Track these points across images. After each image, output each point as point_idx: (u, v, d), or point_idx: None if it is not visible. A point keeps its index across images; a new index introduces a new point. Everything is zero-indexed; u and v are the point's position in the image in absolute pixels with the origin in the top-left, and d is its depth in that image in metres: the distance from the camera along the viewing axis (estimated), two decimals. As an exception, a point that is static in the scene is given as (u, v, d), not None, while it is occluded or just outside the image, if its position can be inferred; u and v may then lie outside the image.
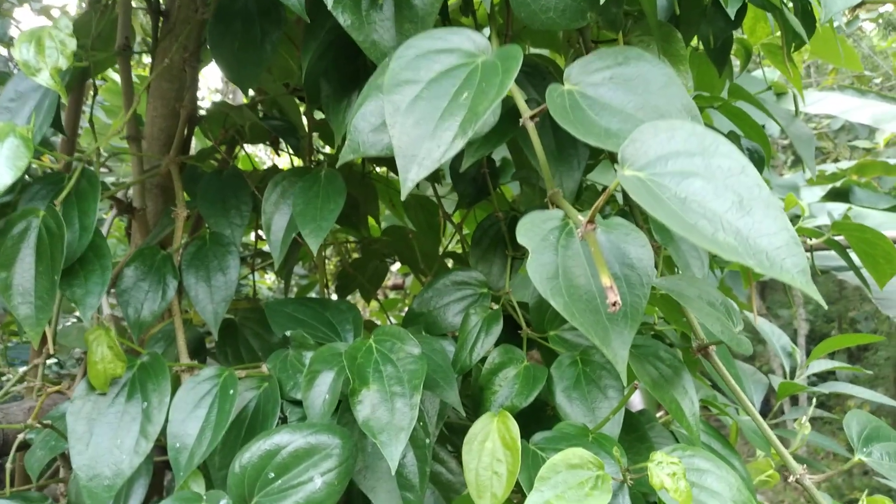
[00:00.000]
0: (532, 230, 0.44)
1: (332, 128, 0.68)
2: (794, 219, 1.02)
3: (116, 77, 2.03)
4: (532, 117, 0.51)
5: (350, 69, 0.67)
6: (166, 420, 0.64)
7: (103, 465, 0.62)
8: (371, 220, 1.15)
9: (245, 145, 1.15)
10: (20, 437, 0.82)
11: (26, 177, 0.68)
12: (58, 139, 0.97)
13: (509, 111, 0.64)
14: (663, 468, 0.51)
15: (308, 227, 0.68)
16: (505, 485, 0.55)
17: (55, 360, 1.93)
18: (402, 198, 0.41)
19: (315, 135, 1.00)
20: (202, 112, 1.03)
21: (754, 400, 1.17)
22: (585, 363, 0.67)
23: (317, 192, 0.71)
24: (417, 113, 0.43)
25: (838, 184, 3.49)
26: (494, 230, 0.81)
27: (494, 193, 0.82)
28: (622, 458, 0.56)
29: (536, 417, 0.71)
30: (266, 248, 1.54)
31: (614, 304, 0.37)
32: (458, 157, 0.83)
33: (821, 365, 1.27)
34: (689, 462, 0.57)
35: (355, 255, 1.13)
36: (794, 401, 2.89)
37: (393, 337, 0.61)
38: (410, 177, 0.41)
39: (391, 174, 1.27)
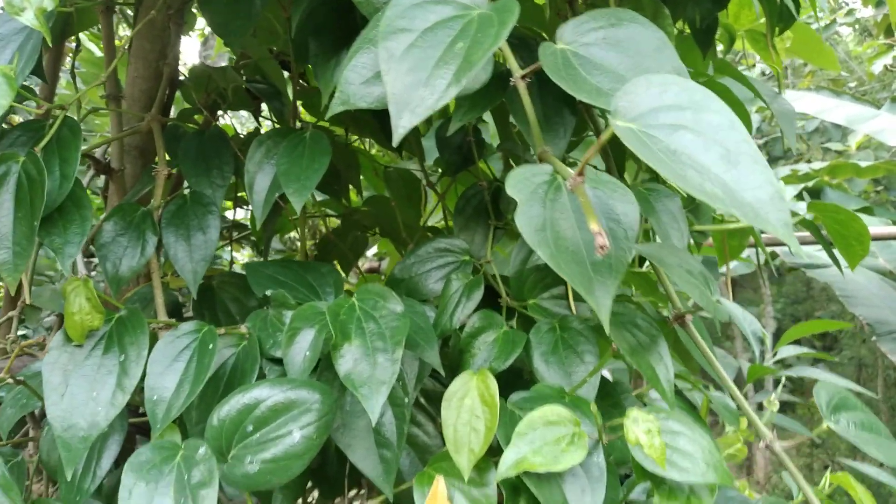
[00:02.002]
0: (522, 183, 0.44)
1: (320, 86, 0.67)
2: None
3: (93, 47, 2.00)
4: (523, 77, 0.52)
5: (339, 27, 0.67)
6: (143, 375, 0.64)
7: (79, 416, 0.62)
8: (353, 195, 1.15)
9: (224, 117, 1.14)
10: (-10, 393, 0.81)
11: (3, 125, 0.66)
12: (37, 90, 0.95)
13: (498, 76, 0.65)
14: (639, 424, 0.52)
15: (292, 185, 0.68)
16: (483, 440, 0.56)
17: (24, 330, 1.89)
18: (395, 143, 0.41)
19: (298, 103, 1.00)
20: (183, 77, 1.01)
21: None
22: (564, 329, 0.68)
23: (301, 151, 0.70)
24: (412, 60, 0.43)
25: (811, 184, 3.56)
26: (478, 199, 0.82)
27: (479, 163, 0.82)
28: (598, 418, 0.57)
29: (514, 383, 0.72)
30: (243, 220, 1.53)
31: (602, 248, 0.38)
32: (444, 125, 0.83)
33: (789, 351, 1.30)
34: (663, 424, 0.58)
35: (335, 227, 1.13)
36: (760, 386, 2.95)
37: (376, 295, 0.62)
38: (403, 123, 0.41)
39: (373, 148, 1.27)
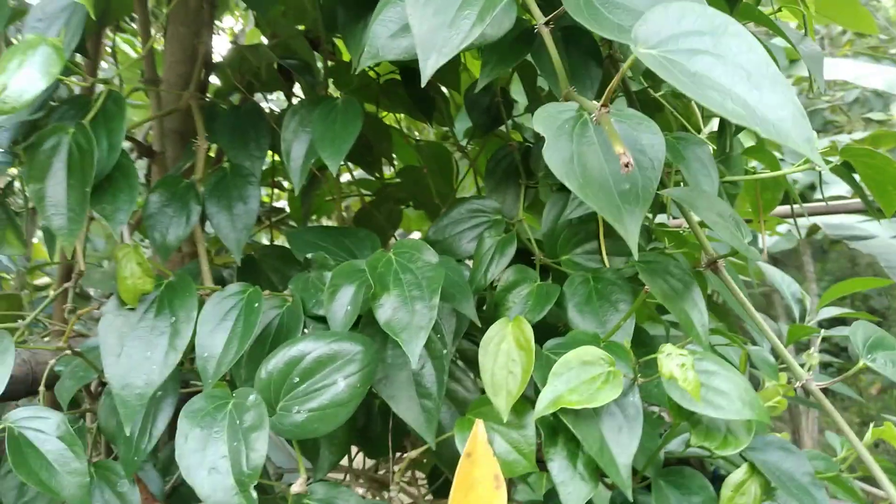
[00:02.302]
0: (548, 119, 0.46)
1: (349, 51, 0.69)
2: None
3: (128, 49, 2.06)
4: (546, 23, 0.53)
5: (367, -7, 0.69)
6: (193, 336, 0.67)
7: (134, 375, 0.65)
8: (385, 173, 1.17)
9: (260, 101, 1.16)
10: (50, 364, 0.85)
11: (51, 102, 0.70)
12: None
13: (524, 32, 0.66)
14: (672, 359, 0.53)
15: (327, 150, 0.70)
16: (520, 382, 0.57)
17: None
18: (423, 84, 0.43)
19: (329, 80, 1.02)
20: (218, 60, 1.04)
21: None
22: (597, 280, 0.69)
23: (335, 117, 0.73)
24: (436, 3, 0.44)
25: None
26: (508, 160, 0.83)
27: (507, 124, 0.83)
28: (632, 357, 0.58)
29: (549, 337, 0.74)
30: (279, 203, 1.57)
31: (626, 166, 0.39)
32: (473, 85, 0.85)
33: (830, 312, 1.28)
34: (698, 365, 0.59)
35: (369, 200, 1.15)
36: (801, 350, 2.90)
37: (411, 248, 0.63)
38: (430, 63, 0.43)
39: (403, 124, 1.29)
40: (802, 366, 0.91)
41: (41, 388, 0.83)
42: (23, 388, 1.05)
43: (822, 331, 1.05)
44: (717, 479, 0.68)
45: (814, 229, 2.80)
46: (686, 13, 0.41)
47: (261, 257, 0.92)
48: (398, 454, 0.90)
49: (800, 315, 1.27)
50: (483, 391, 0.62)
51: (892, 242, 2.54)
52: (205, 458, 0.55)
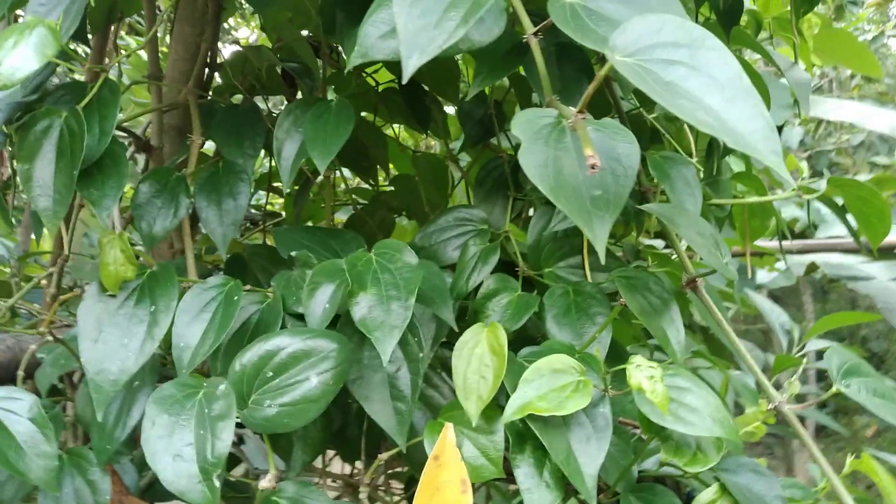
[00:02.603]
0: (527, 124, 0.46)
1: (345, 53, 0.70)
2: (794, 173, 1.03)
3: (142, 54, 2.08)
4: (535, 34, 0.54)
5: (364, -2, 0.70)
6: (171, 326, 0.67)
7: (110, 361, 0.65)
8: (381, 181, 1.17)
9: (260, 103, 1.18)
10: (30, 350, 0.85)
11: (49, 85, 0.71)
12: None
13: (517, 45, 0.67)
14: (642, 370, 0.53)
15: (317, 150, 0.71)
16: (490, 387, 0.58)
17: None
18: (404, 81, 0.43)
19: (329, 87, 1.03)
20: (221, 60, 1.06)
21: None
22: (577, 293, 0.70)
23: (327, 118, 0.73)
24: (423, 5, 0.45)
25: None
26: (498, 172, 0.84)
27: (499, 135, 0.84)
28: (603, 367, 0.58)
29: (526, 346, 0.74)
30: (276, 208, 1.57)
31: (592, 167, 0.39)
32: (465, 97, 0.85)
33: (818, 344, 1.28)
34: (670, 381, 0.59)
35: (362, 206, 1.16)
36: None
37: (392, 249, 0.64)
38: (412, 62, 0.44)
39: (401, 130, 1.30)
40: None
41: (20, 373, 0.83)
42: (6, 374, 1.06)
43: (806, 361, 1.05)
44: (691, 502, 0.67)
45: (812, 268, 2.79)
46: (665, 25, 0.42)
47: (249, 256, 0.92)
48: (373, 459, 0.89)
49: (787, 345, 1.27)
50: (458, 397, 0.62)
51: (890, 285, 2.53)
52: (171, 444, 0.55)
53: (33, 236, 1.21)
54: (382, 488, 1.05)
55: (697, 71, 0.40)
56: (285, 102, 1.18)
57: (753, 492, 0.64)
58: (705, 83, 0.40)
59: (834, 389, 0.62)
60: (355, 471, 1.02)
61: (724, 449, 0.60)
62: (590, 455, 0.56)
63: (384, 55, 0.53)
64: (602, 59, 0.75)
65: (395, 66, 0.62)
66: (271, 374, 0.62)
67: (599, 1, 0.51)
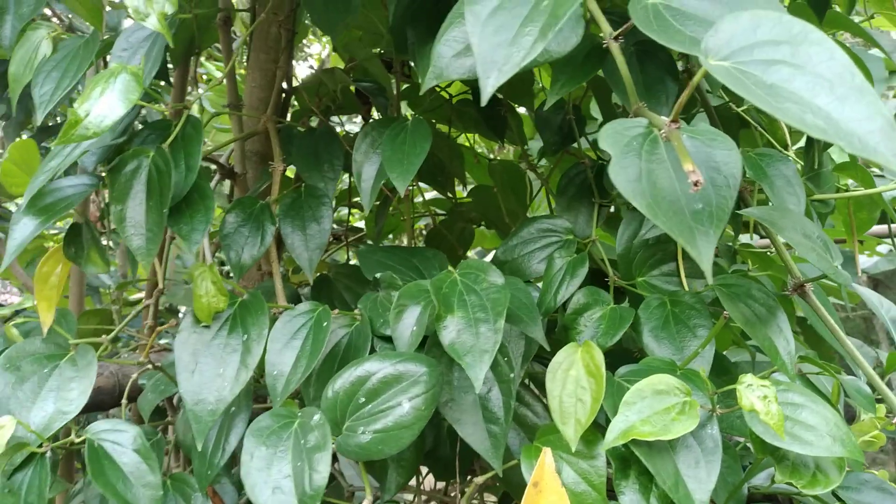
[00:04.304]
0: (615, 136, 0.44)
1: (418, 71, 0.69)
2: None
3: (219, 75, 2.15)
4: (615, 38, 0.51)
5: (435, 13, 0.68)
6: (264, 353, 0.67)
7: (207, 391, 0.66)
8: (458, 192, 1.16)
9: (336, 125, 1.19)
10: (132, 378, 0.89)
11: (136, 124, 0.73)
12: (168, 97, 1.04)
13: (595, 48, 0.64)
14: (753, 391, 0.49)
15: (396, 170, 0.70)
16: (589, 411, 0.55)
17: (166, 338, 2.04)
18: (483, 103, 0.42)
19: (403, 103, 1.03)
20: (297, 84, 1.07)
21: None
22: (674, 304, 0.66)
23: (404, 138, 0.73)
24: (498, 21, 0.43)
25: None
26: (581, 178, 0.81)
27: (580, 141, 0.81)
28: (710, 386, 0.55)
29: (623, 362, 0.71)
30: (357, 223, 1.59)
31: (696, 184, 0.36)
32: (543, 103, 0.83)
33: (937, 339, 1.19)
34: (783, 397, 0.55)
35: (441, 220, 1.15)
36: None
37: (476, 269, 0.62)
38: (490, 82, 0.42)
39: (476, 143, 1.28)
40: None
41: (123, 401, 0.86)
42: (110, 400, 1.10)
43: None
44: (807, 519, 0.63)
45: (919, 250, 2.62)
46: (761, 22, 0.38)
47: (334, 276, 0.93)
48: (468, 477, 0.88)
49: (901, 342, 1.18)
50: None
51: None
52: (269, 476, 0.55)
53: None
54: (476, 502, 1.04)
55: (802, 69, 0.37)
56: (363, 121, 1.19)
57: (880, 512, 0.59)
58: (812, 82, 0.37)
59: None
60: (448, 488, 1.01)
61: (845, 468, 0.56)
62: (699, 480, 0.52)
63: (459, 74, 0.52)
64: (686, 57, 0.71)
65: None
66: (363, 399, 0.61)
67: None
